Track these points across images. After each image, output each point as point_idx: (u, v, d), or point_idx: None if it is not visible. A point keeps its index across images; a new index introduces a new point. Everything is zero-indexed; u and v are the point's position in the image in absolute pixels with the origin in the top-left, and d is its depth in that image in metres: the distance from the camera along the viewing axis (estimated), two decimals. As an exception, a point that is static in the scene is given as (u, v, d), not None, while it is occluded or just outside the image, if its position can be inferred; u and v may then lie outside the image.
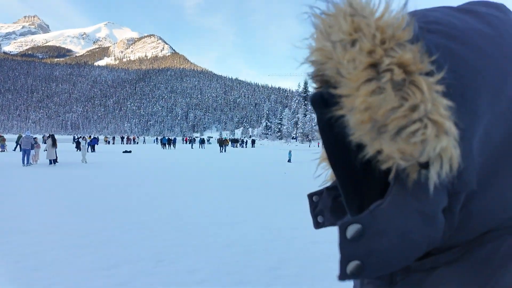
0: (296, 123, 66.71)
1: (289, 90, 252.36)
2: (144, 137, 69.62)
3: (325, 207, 0.49)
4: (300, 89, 75.00)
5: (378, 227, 0.30)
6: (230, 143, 46.51)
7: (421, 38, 0.31)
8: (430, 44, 0.31)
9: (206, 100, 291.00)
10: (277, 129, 74.39)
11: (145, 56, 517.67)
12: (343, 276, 0.31)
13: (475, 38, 0.32)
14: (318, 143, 47.74)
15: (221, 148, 31.54)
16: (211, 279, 3.26)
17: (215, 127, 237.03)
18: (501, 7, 0.36)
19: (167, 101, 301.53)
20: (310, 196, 0.51)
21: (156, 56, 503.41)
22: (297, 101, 74.42)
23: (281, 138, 72.44)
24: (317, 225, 0.49)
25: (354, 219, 0.31)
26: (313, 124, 58.22)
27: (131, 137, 58.96)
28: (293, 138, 68.83)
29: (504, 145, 0.32)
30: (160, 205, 6.64)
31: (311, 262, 3.72)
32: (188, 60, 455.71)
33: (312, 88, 0.43)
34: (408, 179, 0.30)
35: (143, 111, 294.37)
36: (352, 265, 0.30)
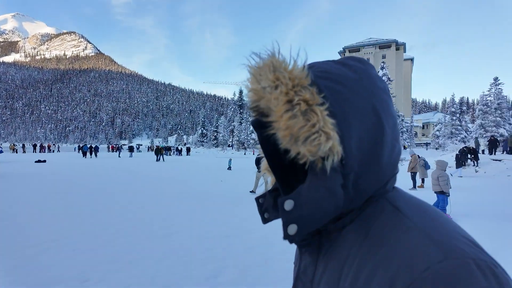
0: (232, 131, 67.40)
1: (225, 98, 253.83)
2: (58, 145, 61.01)
3: (268, 205, 0.61)
4: (236, 98, 76.14)
5: (302, 200, 0.46)
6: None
7: (316, 82, 0.49)
8: (321, 86, 0.49)
9: (136, 105, 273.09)
10: (213, 137, 73.92)
11: (64, 55, 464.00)
12: (286, 237, 0.46)
13: (346, 80, 0.51)
14: (253, 151, 48.91)
15: (158, 156, 29.82)
16: (145, 294, 3.09)
17: (146, 134, 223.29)
18: (362, 61, 0.56)
19: (90, 105, 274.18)
20: (257, 199, 0.63)
21: (77, 55, 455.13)
22: (233, 109, 75.22)
23: (217, 146, 72.10)
24: (265, 220, 0.61)
25: (288, 197, 0.47)
26: (248, 132, 59.48)
27: (46, 145, 51.90)
28: (229, 145, 69.15)
29: (372, 143, 0.49)
30: (83, 220, 6.01)
31: (249, 267, 3.81)
32: (115, 62, 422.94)
33: (250, 116, 0.58)
34: (316, 167, 0.47)
35: (61, 116, 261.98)
36: (291, 228, 0.46)
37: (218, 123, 73.30)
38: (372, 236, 0.47)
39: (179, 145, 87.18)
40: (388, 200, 0.51)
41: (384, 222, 0.47)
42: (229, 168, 19.07)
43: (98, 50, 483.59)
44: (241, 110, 71.39)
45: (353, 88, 0.51)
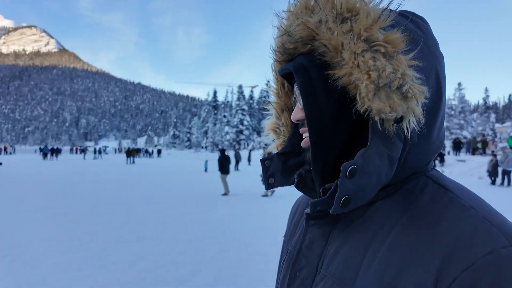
0: (206, 132, 66.57)
1: (198, 98, 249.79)
2: (14, 147, 56.34)
3: (276, 170, 0.56)
4: (210, 98, 75.34)
5: (365, 168, 0.40)
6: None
7: (402, 24, 0.41)
8: (409, 29, 0.41)
9: (103, 104, 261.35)
10: (186, 138, 72.61)
11: (23, 50, 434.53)
12: (336, 210, 0.40)
13: (422, 32, 0.45)
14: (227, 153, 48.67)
15: (129, 159, 28.57)
16: (114, 302, 2.94)
17: (114, 135, 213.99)
18: (425, 20, 0.48)
19: (52, 104, 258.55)
20: (263, 161, 0.56)
21: (38, 51, 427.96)
22: (207, 110, 74.36)
23: (190, 148, 70.85)
24: (268, 186, 0.56)
25: (353, 162, 0.40)
26: (223, 134, 59.06)
27: (2, 146, 48.19)
28: (202, 147, 68.21)
29: (431, 115, 0.44)
30: (46, 224, 5.62)
31: (224, 270, 3.75)
32: (80, 59, 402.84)
33: (274, 59, 0.53)
34: (385, 131, 0.40)
35: (19, 115, 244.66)
36: (344, 199, 0.40)
37: (191, 124, 72.11)
38: (415, 212, 0.42)
39: (149, 147, 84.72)
40: (431, 178, 0.46)
41: (432, 199, 0.43)
42: (206, 170, 18.74)
43: (62, 46, 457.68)
44: (215, 111, 70.74)
45: (424, 46, 0.44)
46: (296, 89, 0.50)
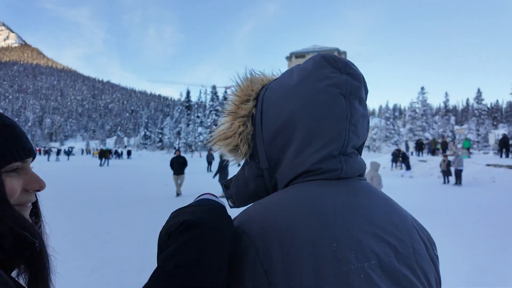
0: (179, 133, 65.41)
1: (171, 98, 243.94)
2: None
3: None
4: (183, 98, 74.13)
5: (232, 184, 0.68)
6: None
7: (259, 96, 0.64)
8: (259, 99, 0.63)
9: (69, 103, 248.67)
10: (158, 139, 70.93)
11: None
12: (230, 206, 0.68)
13: (279, 88, 0.61)
14: (200, 154, 48.09)
15: (102, 161, 27.23)
16: (76, 308, 2.92)
17: (81, 135, 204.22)
18: (316, 61, 0.59)
19: (13, 102, 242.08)
20: (223, 184, 0.73)
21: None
22: (179, 110, 73.10)
23: (162, 149, 69.29)
24: (230, 206, 0.70)
25: (226, 181, 0.69)
26: (196, 134, 58.34)
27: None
28: (175, 148, 67.00)
29: (282, 143, 0.59)
30: None
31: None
32: (44, 55, 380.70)
33: None
34: (244, 164, 0.67)
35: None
36: (230, 201, 0.68)
37: (163, 124, 70.71)
38: None
39: (118, 147, 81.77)
40: (289, 188, 0.57)
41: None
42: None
43: (23, 41, 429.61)
44: (188, 112, 69.71)
45: (282, 93, 0.59)
46: None
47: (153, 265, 3.11)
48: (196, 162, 32.93)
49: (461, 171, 12.88)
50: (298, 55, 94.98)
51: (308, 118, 0.55)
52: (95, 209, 7.59)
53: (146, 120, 78.69)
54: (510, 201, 8.93)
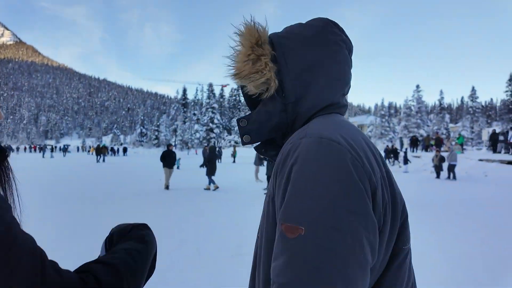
0: (175, 130, 65.27)
1: (167, 96, 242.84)
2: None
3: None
4: (179, 96, 73.92)
5: (251, 119, 0.72)
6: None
7: (271, 40, 0.72)
8: (274, 42, 0.72)
9: (65, 101, 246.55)
10: (154, 136, 70.71)
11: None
12: (243, 143, 0.72)
13: (295, 36, 0.72)
14: (196, 151, 48.01)
15: (98, 157, 27.19)
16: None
17: (77, 133, 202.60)
18: (324, 21, 0.74)
19: (8, 100, 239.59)
20: (238, 120, 0.75)
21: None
22: (176, 107, 72.88)
23: (158, 146, 69.08)
24: (243, 143, 0.76)
25: (243, 117, 0.73)
26: (192, 132, 58.23)
27: None
28: (171, 145, 66.91)
29: (308, 82, 0.69)
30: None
31: (180, 261, 3.86)
32: (40, 53, 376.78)
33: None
34: (264, 98, 0.71)
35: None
36: (245, 137, 0.72)
37: (160, 122, 70.44)
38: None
39: (115, 145, 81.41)
40: (317, 119, 0.67)
41: (305, 126, 0.64)
42: (178, 167, 18.47)
43: (18, 39, 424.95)
44: (184, 109, 69.55)
45: (300, 41, 0.71)
46: None
47: None
48: (191, 159, 32.96)
49: (454, 166, 13.02)
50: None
51: (330, 63, 0.70)
52: (88, 202, 7.61)
53: (142, 118, 78.48)
54: (501, 195, 9.09)
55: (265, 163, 14.45)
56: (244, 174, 14.52)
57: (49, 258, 0.41)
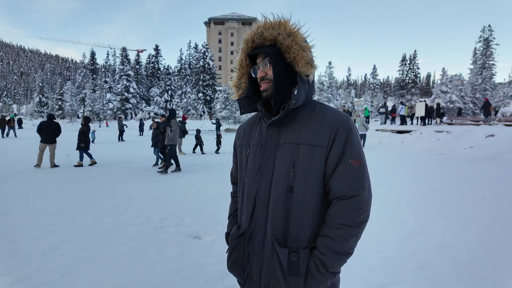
0: (83, 99, 57.69)
1: (72, 60, 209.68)
2: None
3: (245, 105, 1.15)
4: (87, 61, 64.83)
5: (299, 89, 1.02)
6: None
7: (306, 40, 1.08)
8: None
9: None
10: (58, 106, 61.43)
11: None
12: (290, 105, 1.04)
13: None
14: (107, 123, 43.70)
15: (3, 131, 21.20)
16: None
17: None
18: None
19: None
20: (239, 100, 1.15)
21: None
22: (83, 74, 64.02)
23: (63, 117, 60.44)
24: (241, 113, 1.16)
25: (296, 88, 1.02)
26: (104, 102, 52.36)
27: None
28: (79, 117, 59.12)
29: (313, 75, 1.08)
30: None
31: (97, 236, 3.68)
32: None
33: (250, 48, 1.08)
34: (303, 80, 1.03)
35: None
36: (293, 103, 1.02)
37: (63, 89, 61.15)
38: (316, 112, 1.05)
39: (6, 116, 68.11)
40: (315, 101, 1.10)
41: (320, 106, 1.07)
42: (93, 141, 16.49)
43: None
44: (94, 76, 61.69)
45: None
46: (262, 62, 1.05)
47: (53, 231, 2.91)
48: (103, 131, 30.07)
49: (364, 135, 14.99)
50: (217, 21, 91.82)
51: None
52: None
53: (41, 84, 66.80)
54: (391, 157, 11.02)
55: (187, 136, 14.18)
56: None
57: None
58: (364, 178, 0.98)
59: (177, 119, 10.19)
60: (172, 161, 8.21)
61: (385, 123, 22.85)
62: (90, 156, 9.34)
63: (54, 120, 9.09)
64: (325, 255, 0.94)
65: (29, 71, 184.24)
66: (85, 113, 49.44)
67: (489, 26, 33.97)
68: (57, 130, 8.98)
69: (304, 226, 0.98)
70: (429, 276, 2.75)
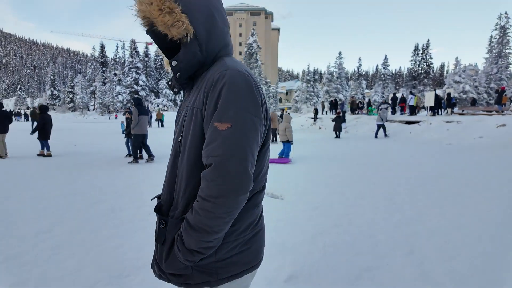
0: (94, 92, 58.61)
1: (82, 53, 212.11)
2: None
3: (175, 85, 1.05)
4: (97, 54, 65.49)
5: (180, 59, 0.93)
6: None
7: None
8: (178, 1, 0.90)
9: None
10: (69, 99, 62.60)
11: None
12: (177, 80, 0.99)
13: None
14: (116, 115, 44.28)
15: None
16: None
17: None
18: None
19: None
20: (170, 62, 0.99)
21: None
22: (93, 66, 64.78)
23: (74, 110, 61.61)
24: (177, 80, 0.99)
25: (173, 58, 0.95)
26: (114, 94, 53.01)
27: None
28: (89, 109, 60.16)
29: (210, 26, 0.94)
30: None
31: (92, 219, 3.73)
32: None
33: (144, 28, 0.99)
34: (185, 42, 0.92)
35: None
36: (178, 75, 0.96)
37: (74, 82, 62.20)
38: (209, 72, 0.93)
39: (19, 109, 69.90)
40: (224, 58, 0.95)
41: (215, 65, 0.93)
42: (123, 132, 15.86)
43: None
44: (103, 69, 62.31)
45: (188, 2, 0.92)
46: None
47: (48, 214, 2.95)
48: (112, 123, 30.50)
49: (382, 125, 15.06)
50: (226, 12, 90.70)
51: (222, 10, 0.99)
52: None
53: (52, 78, 68.02)
54: (395, 147, 10.85)
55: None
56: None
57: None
58: (231, 145, 0.80)
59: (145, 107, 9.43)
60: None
61: (394, 113, 22.40)
62: (45, 147, 8.92)
63: (2, 109, 8.66)
64: (184, 228, 0.87)
65: (42, 64, 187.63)
66: (95, 106, 50.17)
67: (506, 13, 32.68)
68: (7, 118, 8.61)
69: (181, 195, 0.92)
70: (417, 260, 2.69)
